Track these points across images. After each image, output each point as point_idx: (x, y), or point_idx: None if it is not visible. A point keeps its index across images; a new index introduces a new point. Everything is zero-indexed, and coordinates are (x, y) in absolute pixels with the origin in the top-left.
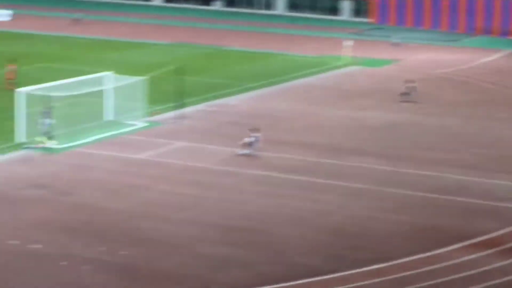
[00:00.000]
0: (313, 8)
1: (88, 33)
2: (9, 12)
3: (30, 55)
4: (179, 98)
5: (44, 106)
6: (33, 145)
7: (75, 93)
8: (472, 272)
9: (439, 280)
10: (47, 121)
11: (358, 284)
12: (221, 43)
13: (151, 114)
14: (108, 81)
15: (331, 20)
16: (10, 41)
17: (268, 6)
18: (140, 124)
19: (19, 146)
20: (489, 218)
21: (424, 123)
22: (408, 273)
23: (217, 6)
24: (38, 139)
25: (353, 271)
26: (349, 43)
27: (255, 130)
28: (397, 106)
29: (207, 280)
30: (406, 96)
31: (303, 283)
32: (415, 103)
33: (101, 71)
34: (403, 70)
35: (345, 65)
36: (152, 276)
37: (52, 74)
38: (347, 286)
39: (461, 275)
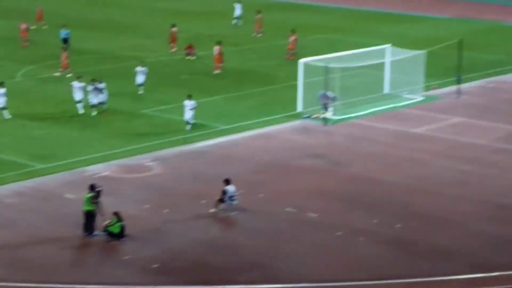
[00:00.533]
0: None
1: (366, 5)
2: None
3: (309, 26)
4: (458, 73)
5: (325, 79)
6: (311, 115)
7: (353, 65)
8: None
9: None
10: (330, 94)
11: None
12: (502, 18)
13: (429, 88)
14: (388, 54)
15: None
16: (291, 12)
17: None
18: (417, 98)
19: (299, 115)
20: None
21: None
22: None
23: None
24: (318, 110)
25: None
26: None
27: None
28: None
29: (483, 258)
30: None
31: None
32: None
33: (377, 44)
34: None
35: None
36: (427, 251)
37: (330, 45)
38: None
39: None
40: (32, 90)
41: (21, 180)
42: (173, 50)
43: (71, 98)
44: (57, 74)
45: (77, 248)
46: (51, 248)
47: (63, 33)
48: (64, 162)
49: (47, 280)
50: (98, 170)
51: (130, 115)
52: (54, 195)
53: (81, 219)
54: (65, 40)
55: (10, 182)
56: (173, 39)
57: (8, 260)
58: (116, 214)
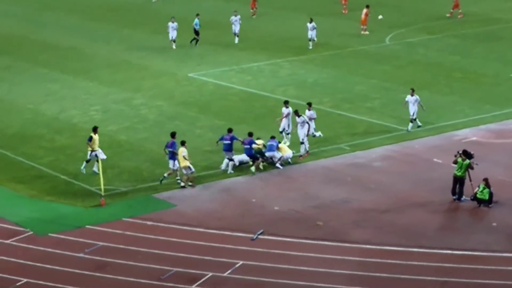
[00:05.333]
0: None
1: None
2: None
3: None
4: None
5: None
6: None
7: None
8: None
9: None
10: None
11: None
12: None
13: None
14: None
15: None
16: None
17: None
18: None
19: None
20: None
21: None
22: None
23: None
24: None
25: None
26: None
27: None
28: None
29: None
30: None
31: None
32: None
33: None
34: None
35: None
36: None
37: None
38: None
39: None
40: (400, 54)
41: (390, 143)
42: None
43: (440, 62)
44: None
45: (445, 213)
46: (418, 212)
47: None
48: (432, 126)
49: (414, 244)
50: (467, 135)
51: (499, 79)
52: (422, 159)
53: (448, 184)
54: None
55: (378, 146)
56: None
57: (375, 223)
58: (485, 180)
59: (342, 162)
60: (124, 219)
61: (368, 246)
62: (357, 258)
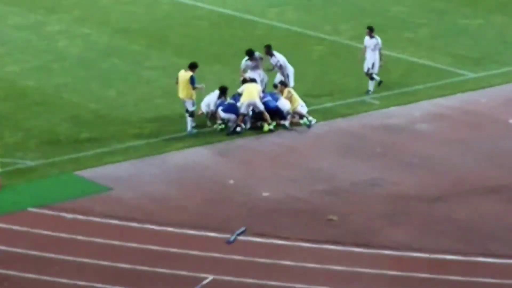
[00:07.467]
0: None
1: None
2: None
3: None
4: None
5: None
6: None
7: None
8: None
9: None
10: None
11: None
12: None
13: None
14: None
15: None
16: None
17: None
18: None
19: None
20: None
21: None
22: None
23: None
24: None
25: None
26: None
27: None
28: None
29: None
30: None
31: None
32: None
33: None
34: None
35: None
36: None
37: None
38: None
39: None
40: None
41: (441, 95)
42: None
43: None
44: None
45: None
46: (486, 202)
47: None
48: (508, 69)
49: (479, 250)
50: None
51: None
52: (492, 120)
53: None
54: None
55: (424, 99)
56: None
57: (419, 218)
58: None
59: (368, 124)
60: (30, 209)
61: (408, 254)
62: (391, 272)
